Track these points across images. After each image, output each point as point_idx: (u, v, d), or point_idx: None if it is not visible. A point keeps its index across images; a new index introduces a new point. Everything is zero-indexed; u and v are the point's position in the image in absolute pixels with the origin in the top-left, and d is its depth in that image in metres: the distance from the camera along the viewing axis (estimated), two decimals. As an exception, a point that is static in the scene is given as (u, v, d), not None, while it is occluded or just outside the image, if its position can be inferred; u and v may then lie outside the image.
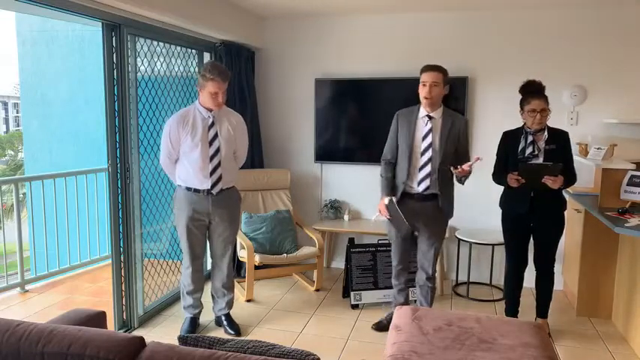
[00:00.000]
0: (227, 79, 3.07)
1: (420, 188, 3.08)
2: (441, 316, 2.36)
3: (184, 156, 3.12)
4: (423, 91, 3.00)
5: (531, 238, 3.33)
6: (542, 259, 3.29)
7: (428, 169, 3.04)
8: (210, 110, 3.12)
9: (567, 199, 3.97)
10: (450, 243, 4.43)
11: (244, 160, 3.43)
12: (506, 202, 3.33)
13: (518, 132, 3.22)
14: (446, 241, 4.26)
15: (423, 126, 3.06)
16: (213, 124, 3.12)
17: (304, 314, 3.71)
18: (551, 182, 3.02)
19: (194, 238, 3.24)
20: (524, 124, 3.19)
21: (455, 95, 4.27)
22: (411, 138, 3.08)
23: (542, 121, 3.09)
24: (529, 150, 3.13)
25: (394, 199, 3.11)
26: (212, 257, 3.40)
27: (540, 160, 3.11)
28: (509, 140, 3.26)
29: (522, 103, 3.16)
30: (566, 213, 3.28)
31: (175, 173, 3.20)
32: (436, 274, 3.35)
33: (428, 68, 3.00)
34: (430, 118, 3.06)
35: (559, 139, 3.15)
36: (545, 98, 3.10)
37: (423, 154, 3.06)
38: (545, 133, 3.14)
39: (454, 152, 3.08)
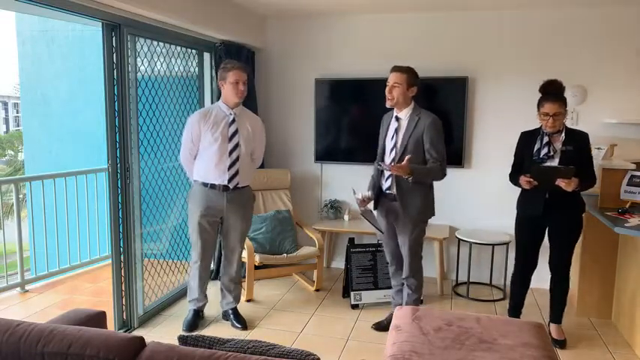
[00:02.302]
0: (246, 70, 3.24)
1: (386, 186, 3.14)
2: (441, 316, 2.36)
3: (204, 151, 3.22)
4: (386, 91, 3.05)
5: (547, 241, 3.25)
6: (555, 263, 3.21)
7: None
8: (232, 108, 3.23)
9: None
10: (450, 243, 4.43)
11: (261, 160, 3.54)
12: (521, 203, 3.27)
13: (536, 132, 3.16)
14: (446, 241, 4.27)
15: (392, 127, 3.13)
16: (234, 120, 3.22)
17: (304, 314, 3.71)
18: (565, 184, 2.94)
19: (205, 234, 3.32)
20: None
21: (455, 95, 4.28)
22: (384, 139, 3.17)
23: (556, 124, 3.01)
24: (544, 151, 3.06)
25: (370, 206, 3.21)
26: (224, 252, 3.48)
27: (556, 162, 3.04)
28: (526, 141, 3.20)
29: (538, 105, 3.09)
30: (584, 216, 3.17)
31: (193, 169, 3.29)
32: (423, 282, 3.26)
33: (393, 69, 3.06)
34: (398, 119, 3.10)
35: (577, 140, 3.06)
36: (562, 101, 3.01)
37: (390, 153, 3.11)
38: (563, 134, 3.07)
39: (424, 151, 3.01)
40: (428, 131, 2.99)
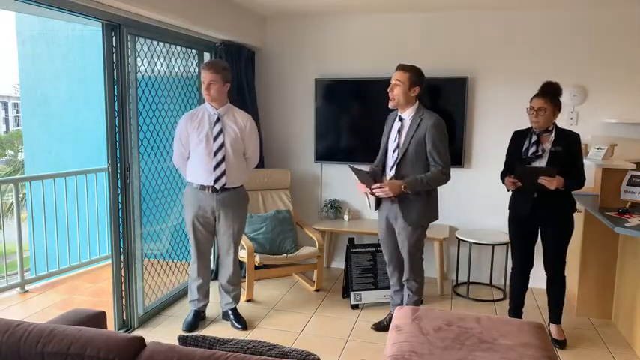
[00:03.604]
0: (216, 71, 3.11)
1: None
2: (441, 316, 2.36)
3: (193, 152, 3.21)
4: (388, 90, 3.00)
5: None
6: (549, 263, 3.21)
7: (394, 170, 3.03)
8: (217, 108, 3.20)
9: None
10: (450, 243, 4.43)
11: (256, 160, 3.44)
12: (512, 203, 3.29)
13: (526, 132, 3.18)
14: (446, 241, 4.27)
15: (395, 127, 3.07)
16: (218, 120, 3.18)
17: (304, 314, 3.71)
18: (547, 182, 2.95)
19: (199, 234, 3.32)
20: None
21: (455, 95, 4.28)
22: (386, 139, 3.13)
23: (539, 120, 3.02)
24: (532, 150, 3.08)
25: (372, 206, 3.20)
26: (219, 253, 3.47)
27: (544, 162, 3.05)
28: (517, 140, 3.22)
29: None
30: (575, 215, 3.17)
31: (187, 170, 3.29)
32: (420, 286, 3.22)
33: (396, 67, 3.00)
34: (401, 119, 3.05)
35: (566, 140, 3.05)
36: (549, 97, 3.02)
37: (393, 154, 3.06)
38: (552, 135, 3.07)
39: (426, 154, 2.95)
40: (429, 133, 2.92)
